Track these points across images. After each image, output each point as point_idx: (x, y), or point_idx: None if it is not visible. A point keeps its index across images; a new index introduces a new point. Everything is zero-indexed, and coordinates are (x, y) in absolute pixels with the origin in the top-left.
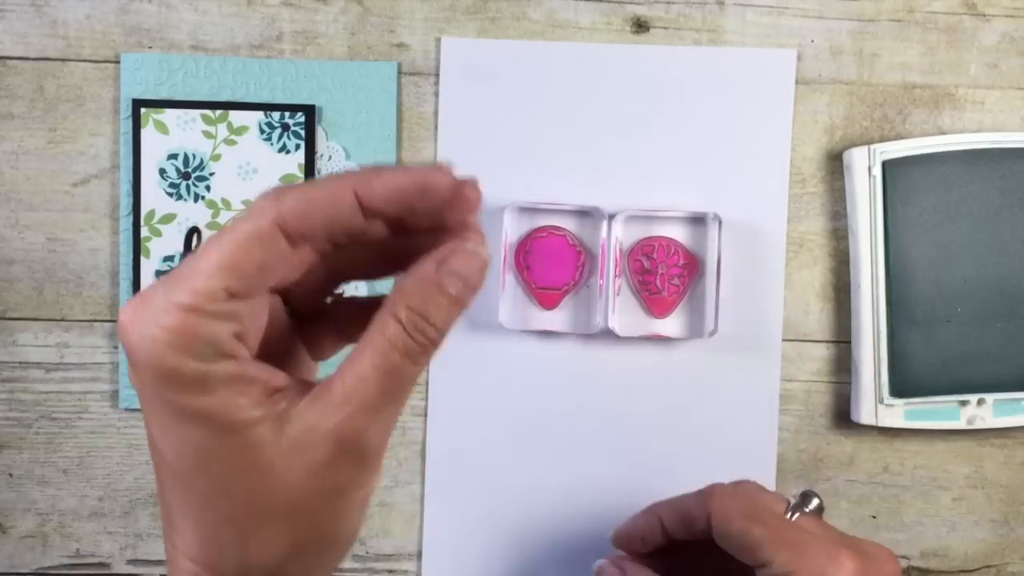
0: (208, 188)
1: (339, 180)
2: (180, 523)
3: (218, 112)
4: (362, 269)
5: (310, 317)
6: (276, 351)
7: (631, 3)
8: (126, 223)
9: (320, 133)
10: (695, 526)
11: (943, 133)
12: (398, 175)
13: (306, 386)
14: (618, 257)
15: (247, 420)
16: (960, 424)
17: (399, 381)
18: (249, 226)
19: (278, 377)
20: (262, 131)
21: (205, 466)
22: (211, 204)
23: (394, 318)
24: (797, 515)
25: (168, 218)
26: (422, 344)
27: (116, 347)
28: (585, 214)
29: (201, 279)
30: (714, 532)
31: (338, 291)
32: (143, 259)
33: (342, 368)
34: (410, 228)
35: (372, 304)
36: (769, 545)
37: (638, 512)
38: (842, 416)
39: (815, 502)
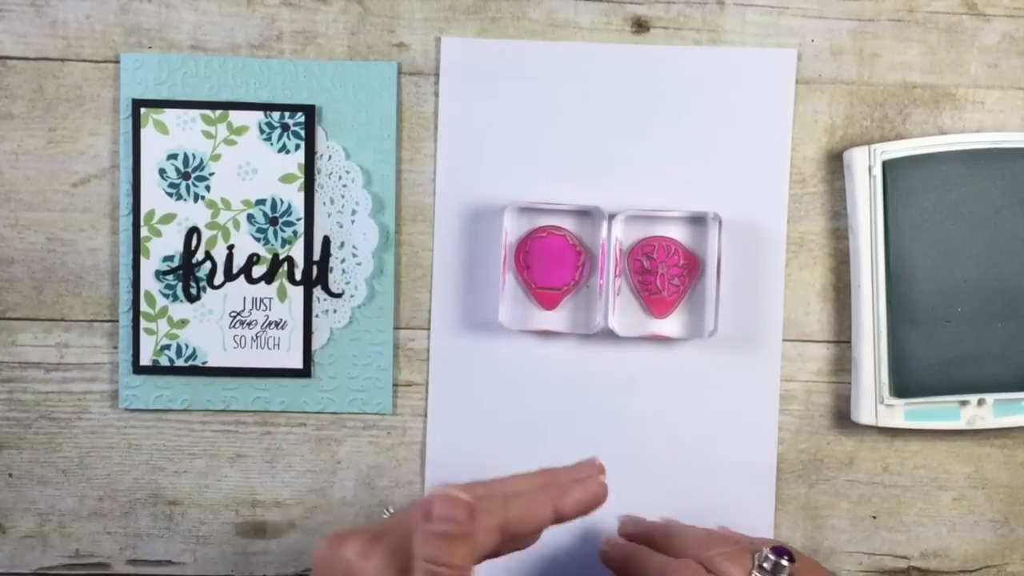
0: (208, 188)
1: (544, 500)
2: None
3: (218, 112)
4: None
5: None
6: None
7: (631, 3)
8: (126, 223)
9: (320, 133)
10: None
11: (943, 133)
12: (584, 494)
13: None
14: (618, 257)
15: None
16: (960, 424)
17: None
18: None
19: None
20: (262, 131)
21: None
22: (211, 204)
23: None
24: None
25: (168, 218)
26: None
27: (116, 347)
28: (585, 214)
29: None
30: None
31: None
32: (143, 259)
33: None
34: None
35: None
36: None
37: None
38: (842, 416)
39: (783, 568)
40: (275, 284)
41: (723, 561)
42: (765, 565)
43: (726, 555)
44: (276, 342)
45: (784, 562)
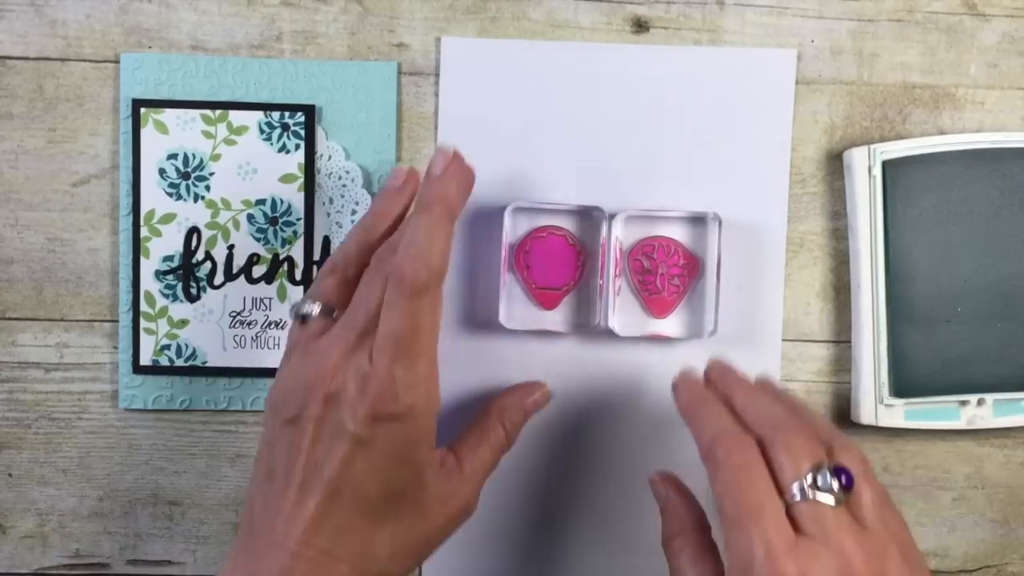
0: (208, 188)
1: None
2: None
3: (218, 112)
4: None
5: None
6: None
7: (631, 3)
8: (126, 223)
9: (320, 133)
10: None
11: (943, 133)
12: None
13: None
14: (618, 257)
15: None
16: (960, 424)
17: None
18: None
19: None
20: (262, 131)
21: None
22: (211, 204)
23: (502, 427)
24: (808, 496)
25: (168, 218)
26: (511, 444)
27: (116, 347)
28: (585, 214)
29: None
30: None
31: None
32: (143, 259)
33: (468, 454)
34: None
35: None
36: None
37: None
38: (842, 416)
39: (832, 491)
40: (275, 284)
41: (781, 450)
42: (818, 477)
43: (789, 444)
44: (276, 342)
45: (835, 484)
